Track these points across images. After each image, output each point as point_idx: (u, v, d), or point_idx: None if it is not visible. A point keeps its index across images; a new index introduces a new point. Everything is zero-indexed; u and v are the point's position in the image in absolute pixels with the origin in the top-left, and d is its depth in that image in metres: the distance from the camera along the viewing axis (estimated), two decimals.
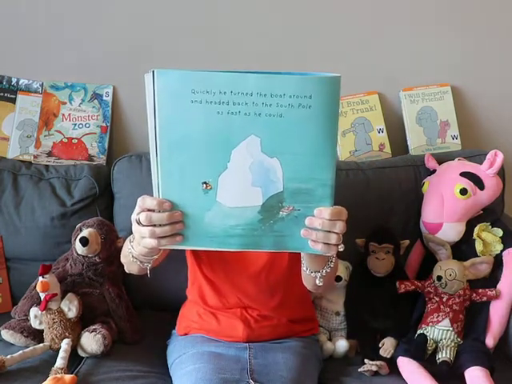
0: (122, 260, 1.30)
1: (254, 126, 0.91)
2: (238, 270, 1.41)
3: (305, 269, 1.16)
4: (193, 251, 1.45)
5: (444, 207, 1.71)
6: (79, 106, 1.97)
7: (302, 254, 1.14)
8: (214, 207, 0.97)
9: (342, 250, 1.03)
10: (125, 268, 1.30)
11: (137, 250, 1.11)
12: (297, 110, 0.89)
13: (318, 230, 0.98)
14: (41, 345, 1.51)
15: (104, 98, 1.97)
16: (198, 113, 0.90)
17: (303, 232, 0.99)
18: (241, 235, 0.99)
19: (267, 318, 1.45)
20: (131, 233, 1.14)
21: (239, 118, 0.90)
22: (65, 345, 1.48)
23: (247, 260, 1.40)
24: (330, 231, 0.99)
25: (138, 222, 1.00)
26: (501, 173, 1.79)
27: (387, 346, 1.56)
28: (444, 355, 1.51)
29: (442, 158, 1.84)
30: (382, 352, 1.54)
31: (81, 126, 1.96)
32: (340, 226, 0.99)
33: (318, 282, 1.15)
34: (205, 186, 0.96)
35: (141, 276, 1.28)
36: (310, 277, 1.16)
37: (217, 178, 0.95)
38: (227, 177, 0.95)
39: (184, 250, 1.48)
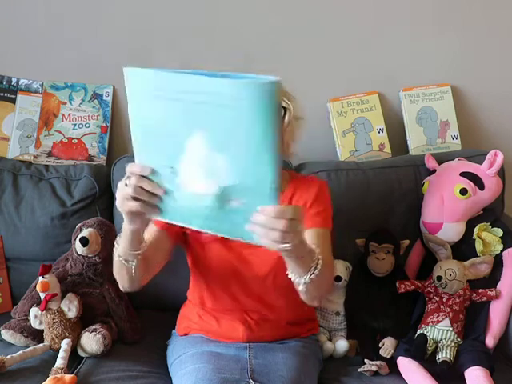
0: (114, 272, 1.31)
1: (204, 123, 0.96)
2: (245, 274, 1.40)
3: (288, 273, 1.16)
4: (195, 254, 1.45)
5: (444, 207, 1.71)
6: (79, 106, 1.97)
7: (285, 258, 1.15)
8: (180, 189, 1.03)
9: (288, 247, 1.02)
10: (119, 284, 1.32)
11: (121, 244, 1.18)
12: (234, 111, 0.92)
13: (262, 225, 0.99)
14: (41, 345, 1.51)
15: (104, 97, 1.97)
16: (160, 107, 0.98)
17: (248, 226, 1.00)
18: (202, 217, 1.05)
19: (268, 321, 1.45)
20: None
21: (191, 114, 0.96)
22: (65, 345, 1.48)
23: (254, 264, 1.40)
24: (273, 228, 0.99)
25: (126, 185, 1.05)
26: (501, 173, 1.79)
27: (387, 346, 1.56)
28: (444, 355, 1.51)
29: (441, 158, 1.84)
30: (382, 352, 1.54)
31: (81, 125, 1.96)
32: (283, 225, 0.98)
33: (301, 287, 1.16)
34: (171, 169, 1.03)
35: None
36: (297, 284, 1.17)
37: (178, 165, 1.01)
38: (185, 166, 1.01)
39: (185, 255, 1.49)
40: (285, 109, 1.35)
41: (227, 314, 1.46)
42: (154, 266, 1.32)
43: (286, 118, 1.36)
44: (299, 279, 1.15)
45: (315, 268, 1.14)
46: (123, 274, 1.26)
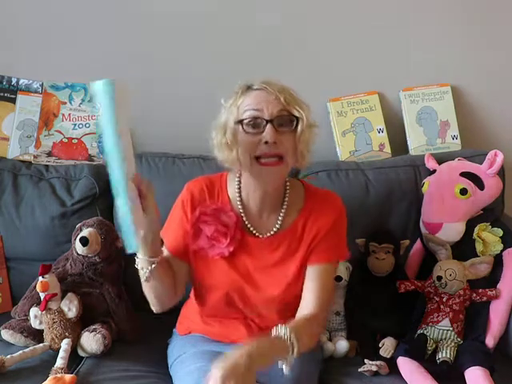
0: (146, 296, 1.35)
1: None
2: (250, 294, 1.38)
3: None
4: (200, 272, 1.41)
5: (444, 207, 1.70)
6: (79, 106, 1.97)
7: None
8: None
9: None
10: (151, 306, 1.36)
11: (139, 255, 1.25)
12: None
13: None
14: (41, 345, 1.51)
15: None
16: None
17: None
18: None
19: (270, 328, 1.43)
20: None
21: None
22: (65, 345, 1.48)
23: (262, 286, 1.38)
24: None
25: None
26: (501, 173, 1.79)
27: (387, 346, 1.56)
28: (444, 355, 1.51)
29: (441, 158, 1.84)
30: (382, 352, 1.54)
31: (81, 125, 1.96)
32: None
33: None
34: None
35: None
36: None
37: None
38: None
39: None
40: (297, 118, 1.28)
41: (229, 319, 1.44)
42: (179, 284, 1.36)
43: (299, 128, 1.28)
44: (282, 364, 1.19)
45: (292, 351, 1.18)
46: (147, 289, 1.32)
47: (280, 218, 1.39)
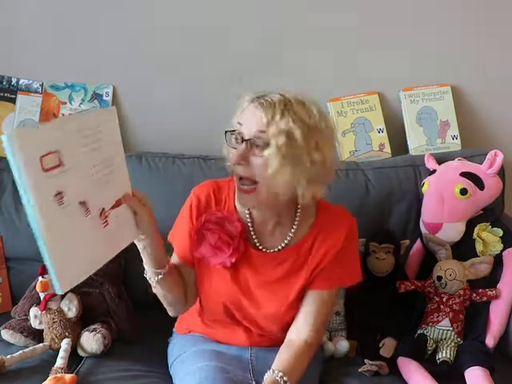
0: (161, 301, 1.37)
1: None
2: (248, 308, 1.36)
3: None
4: (201, 279, 1.39)
5: (444, 207, 1.71)
6: (79, 105, 1.97)
7: None
8: None
9: None
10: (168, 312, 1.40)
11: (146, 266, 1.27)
12: None
13: None
14: (41, 345, 1.51)
15: (104, 98, 1.97)
16: None
17: None
18: None
19: (270, 337, 1.42)
20: None
21: None
22: (65, 345, 1.48)
23: (261, 302, 1.36)
24: None
25: None
26: (501, 173, 1.79)
27: (387, 346, 1.56)
28: (444, 355, 1.51)
29: (441, 158, 1.84)
30: (382, 352, 1.54)
31: None
32: None
33: None
34: None
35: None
36: None
37: None
38: None
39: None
40: (267, 142, 1.18)
41: (230, 324, 1.43)
42: (190, 292, 1.37)
43: (267, 152, 1.17)
44: None
45: None
46: (159, 297, 1.33)
47: (290, 235, 1.34)
